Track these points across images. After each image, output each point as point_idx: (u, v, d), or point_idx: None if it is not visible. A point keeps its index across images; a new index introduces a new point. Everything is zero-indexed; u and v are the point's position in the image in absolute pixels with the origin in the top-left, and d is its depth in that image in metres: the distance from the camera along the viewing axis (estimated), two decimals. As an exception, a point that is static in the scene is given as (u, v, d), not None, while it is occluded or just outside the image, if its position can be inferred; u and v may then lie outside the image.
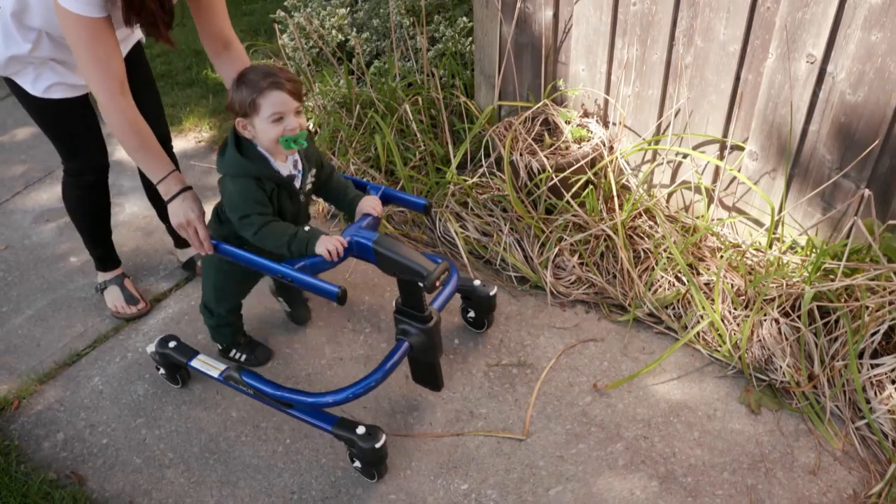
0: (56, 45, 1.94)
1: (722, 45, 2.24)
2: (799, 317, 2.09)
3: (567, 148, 2.53)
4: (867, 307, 2.03)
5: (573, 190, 2.47)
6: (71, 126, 2.09)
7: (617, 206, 2.46)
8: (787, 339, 2.09)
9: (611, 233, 2.38)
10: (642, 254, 2.42)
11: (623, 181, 2.57)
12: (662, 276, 2.32)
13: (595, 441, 1.97)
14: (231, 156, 1.78)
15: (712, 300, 2.21)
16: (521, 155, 2.48)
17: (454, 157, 2.69)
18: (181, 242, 2.62)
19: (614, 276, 2.37)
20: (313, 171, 1.91)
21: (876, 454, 1.93)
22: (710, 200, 2.48)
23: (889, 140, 2.06)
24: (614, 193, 2.46)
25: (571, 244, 2.42)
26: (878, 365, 2.01)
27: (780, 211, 2.32)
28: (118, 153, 3.05)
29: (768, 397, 2.08)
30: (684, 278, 2.26)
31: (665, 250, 2.37)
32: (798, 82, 2.14)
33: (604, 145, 2.53)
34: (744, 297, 2.22)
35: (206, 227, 1.87)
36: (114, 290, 2.48)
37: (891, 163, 2.09)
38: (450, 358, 2.22)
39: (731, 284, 2.25)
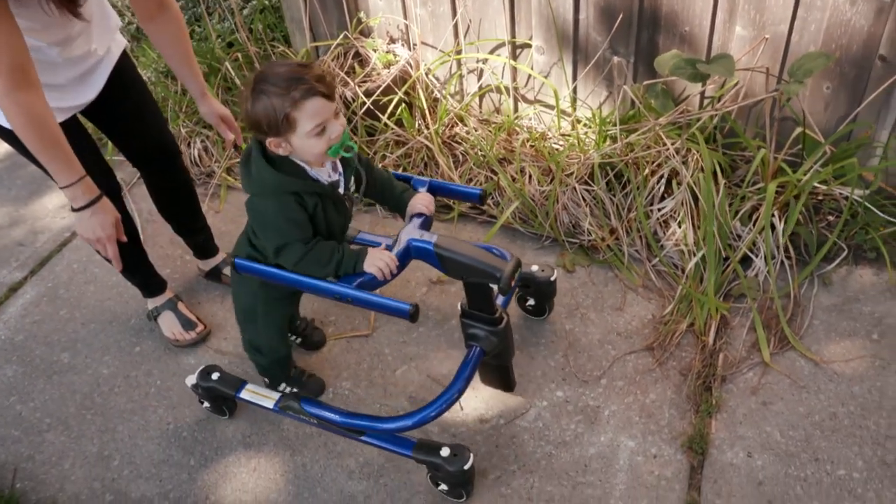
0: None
1: (490, -46, 2.46)
2: (593, 180, 2.38)
3: (378, 74, 2.72)
4: (646, 161, 2.34)
5: (388, 110, 2.67)
6: None
7: (430, 119, 2.68)
8: (586, 202, 2.38)
9: (428, 143, 2.61)
10: (461, 157, 2.65)
11: (435, 95, 2.79)
12: (479, 172, 2.57)
13: (432, 323, 2.21)
14: (262, 171, 1.52)
15: (522, 183, 2.47)
16: (334, 87, 2.66)
17: (278, 102, 2.84)
18: (203, 253, 2.44)
19: (437, 181, 2.60)
20: (354, 171, 1.66)
21: (669, 282, 2.25)
22: (516, 99, 2.74)
23: (642, 15, 2.35)
24: (425, 107, 2.67)
25: (395, 159, 2.63)
26: (662, 208, 2.32)
27: (574, 94, 2.60)
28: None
29: (580, 256, 2.37)
30: (497, 170, 2.51)
31: (479, 150, 2.61)
32: (558, -24, 2.39)
33: (410, 65, 2.73)
34: (549, 175, 2.49)
35: (116, 247, 1.73)
36: (168, 317, 2.28)
37: (648, 35, 2.39)
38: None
39: (538, 167, 2.51)
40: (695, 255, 2.20)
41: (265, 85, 1.43)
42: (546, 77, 2.62)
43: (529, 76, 2.66)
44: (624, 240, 2.32)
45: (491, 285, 1.61)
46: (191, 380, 1.97)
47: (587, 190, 2.38)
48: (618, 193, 2.39)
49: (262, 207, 1.55)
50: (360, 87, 2.65)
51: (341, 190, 1.63)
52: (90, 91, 1.86)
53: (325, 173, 1.59)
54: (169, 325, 2.28)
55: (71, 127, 1.80)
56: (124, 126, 2.05)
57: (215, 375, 1.94)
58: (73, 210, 1.67)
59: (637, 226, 2.32)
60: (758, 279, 2.19)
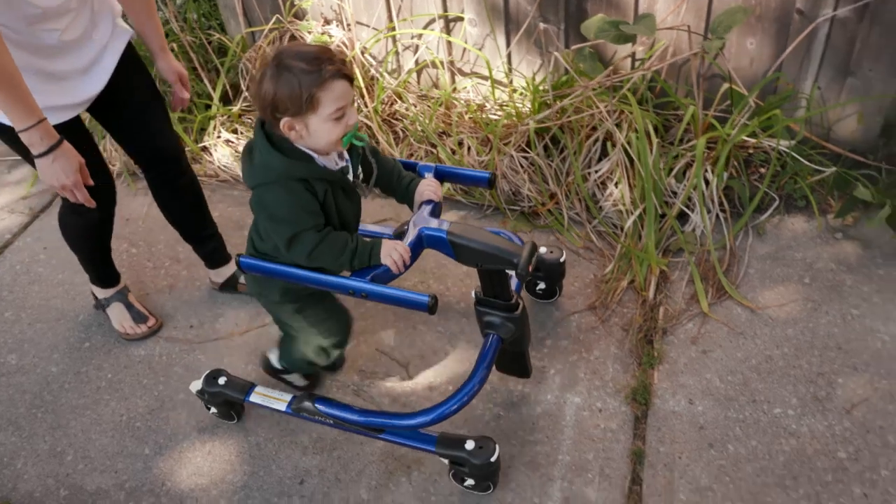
0: (26, 46, 1.56)
1: (415, -71, 2.47)
2: (530, 147, 2.41)
3: (314, 56, 2.72)
4: (581, 125, 2.37)
5: (326, 91, 2.67)
6: None
7: (368, 98, 2.69)
8: (525, 169, 2.41)
9: (368, 122, 2.62)
10: (401, 133, 2.67)
11: (371, 74, 2.80)
12: (419, 147, 2.59)
13: (380, 297, 2.23)
14: (267, 157, 1.45)
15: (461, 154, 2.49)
16: (270, 71, 2.65)
17: (214, 91, 2.83)
18: (213, 261, 2.32)
19: (379, 158, 2.62)
20: (360, 158, 1.61)
21: (609, 242, 2.30)
22: (453, 72, 2.75)
23: (568, -19, 2.38)
24: (363, 86, 2.68)
25: (335, 140, 2.63)
26: (598, 170, 2.37)
27: (508, 63, 2.62)
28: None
29: (522, 222, 2.41)
30: (437, 143, 2.53)
31: (418, 126, 2.63)
32: (482, -53, 2.41)
33: (345, 45, 2.74)
34: (488, 146, 2.52)
35: (85, 191, 1.67)
36: (118, 308, 2.25)
37: (576, 1, 2.42)
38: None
39: (476, 138, 2.54)
40: (632, 213, 2.25)
41: (292, 62, 1.37)
42: (480, 49, 2.64)
43: (464, 49, 2.68)
44: (564, 203, 2.37)
45: (507, 271, 1.56)
46: (196, 385, 1.92)
47: (525, 157, 2.42)
48: (555, 158, 2.42)
49: (269, 198, 1.48)
50: (295, 69, 2.65)
51: (350, 176, 1.56)
52: (95, 83, 1.79)
53: (332, 161, 1.53)
54: (119, 317, 2.27)
55: (69, 128, 1.73)
56: (127, 123, 1.97)
57: (222, 380, 1.88)
58: (36, 157, 1.60)
59: (575, 189, 2.36)
60: (695, 233, 2.25)
